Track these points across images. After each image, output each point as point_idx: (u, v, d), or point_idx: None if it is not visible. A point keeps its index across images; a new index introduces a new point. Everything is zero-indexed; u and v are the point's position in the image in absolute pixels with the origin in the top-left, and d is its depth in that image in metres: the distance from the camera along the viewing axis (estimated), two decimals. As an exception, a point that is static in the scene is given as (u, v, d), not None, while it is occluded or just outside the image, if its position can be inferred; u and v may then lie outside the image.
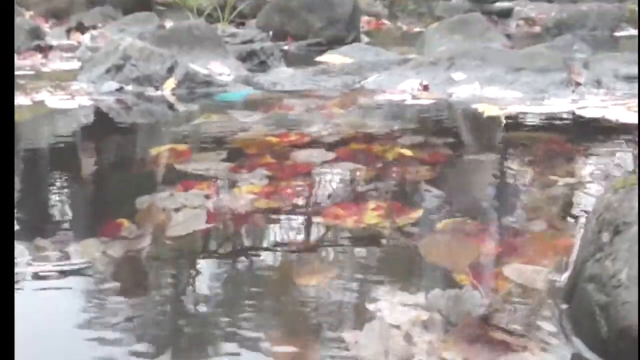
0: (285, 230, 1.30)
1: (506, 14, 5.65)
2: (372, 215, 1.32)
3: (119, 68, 2.73)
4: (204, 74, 2.81)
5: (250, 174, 1.57)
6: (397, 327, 0.91)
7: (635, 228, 0.83)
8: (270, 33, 4.47)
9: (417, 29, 5.56)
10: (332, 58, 3.63)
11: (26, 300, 1.01)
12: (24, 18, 4.65)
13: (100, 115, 2.39)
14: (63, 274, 1.10)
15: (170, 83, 2.67)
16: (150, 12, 5.21)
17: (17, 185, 1.53)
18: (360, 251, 1.19)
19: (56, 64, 3.63)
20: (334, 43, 4.19)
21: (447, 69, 2.69)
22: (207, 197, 1.43)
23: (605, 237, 0.87)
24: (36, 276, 1.09)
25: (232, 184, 1.52)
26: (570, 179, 1.53)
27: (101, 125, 2.29)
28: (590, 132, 2.04)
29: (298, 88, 2.78)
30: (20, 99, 2.51)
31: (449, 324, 0.92)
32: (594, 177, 1.56)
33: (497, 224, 1.28)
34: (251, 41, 3.90)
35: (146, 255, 1.17)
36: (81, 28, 4.77)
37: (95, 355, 0.88)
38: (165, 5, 5.99)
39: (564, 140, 1.88)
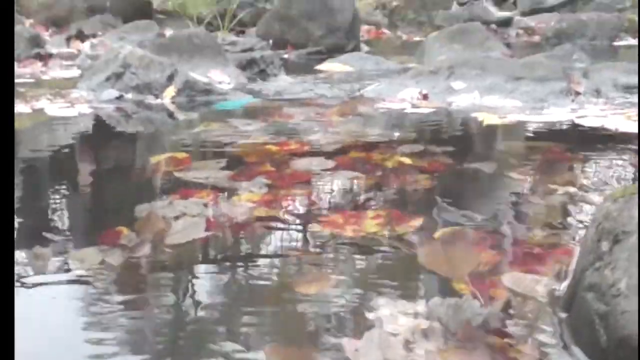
0: (285, 238, 1.30)
1: (506, 23, 5.66)
2: (371, 223, 1.32)
3: (118, 76, 2.73)
4: (204, 82, 2.81)
5: (250, 182, 1.57)
6: (397, 335, 0.91)
7: (635, 237, 0.83)
8: (270, 41, 4.48)
9: (416, 38, 5.57)
10: (332, 67, 3.64)
11: (25, 308, 1.00)
12: (24, 26, 4.66)
13: (100, 123, 2.39)
14: (62, 282, 1.10)
15: (170, 91, 2.67)
16: (150, 20, 5.22)
17: (17, 192, 1.53)
18: (359, 260, 1.19)
19: (56, 72, 3.63)
20: (334, 52, 4.20)
21: (447, 78, 2.69)
22: (207, 205, 1.43)
23: (605, 246, 0.87)
24: (35, 284, 1.08)
25: (232, 192, 1.52)
26: (569, 187, 1.53)
27: (101, 133, 2.29)
28: (589, 141, 2.04)
29: (298, 96, 2.78)
30: (20, 107, 2.51)
31: (449, 332, 0.92)
32: (593, 186, 1.56)
33: (496, 233, 1.28)
34: (251, 49, 3.91)
35: (145, 263, 1.17)
36: (81, 36, 4.79)
37: (94, 364, 0.88)
38: (165, 13, 6.00)
39: (564, 149, 1.88)
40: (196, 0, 5.72)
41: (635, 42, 5.03)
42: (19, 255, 1.18)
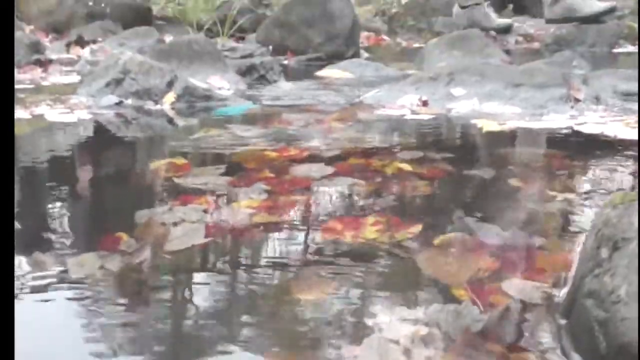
0: (284, 244, 1.30)
1: (505, 30, 5.67)
2: (371, 230, 1.32)
3: (118, 82, 2.73)
4: (204, 88, 2.82)
5: (249, 188, 1.57)
6: (396, 342, 0.91)
7: (635, 244, 0.83)
8: (270, 48, 4.48)
9: (416, 45, 5.58)
10: (331, 73, 3.65)
11: (24, 314, 1.00)
12: (24, 32, 4.67)
13: (99, 128, 2.39)
14: (61, 287, 1.09)
15: (170, 97, 2.67)
16: (150, 26, 5.23)
17: (16, 198, 1.53)
18: (359, 266, 1.19)
19: (56, 77, 3.63)
20: (334, 58, 4.20)
21: (447, 84, 2.70)
22: (206, 211, 1.43)
23: (604, 252, 0.87)
24: (34, 289, 1.08)
25: (231, 198, 1.52)
26: (569, 194, 1.53)
27: (100, 138, 2.29)
28: (589, 147, 2.04)
29: (297, 102, 2.79)
30: (19, 113, 2.51)
31: (448, 339, 0.92)
32: (592, 193, 1.56)
33: (495, 239, 1.28)
34: (251, 56, 3.92)
35: (144, 269, 1.17)
36: (81, 42, 4.79)
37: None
38: (165, 19, 6.01)
39: (563, 156, 1.89)
40: (196, 6, 5.74)
41: (634, 49, 5.04)
42: (18, 260, 1.17)
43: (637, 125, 2.15)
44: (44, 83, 3.46)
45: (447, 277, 1.12)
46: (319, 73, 3.68)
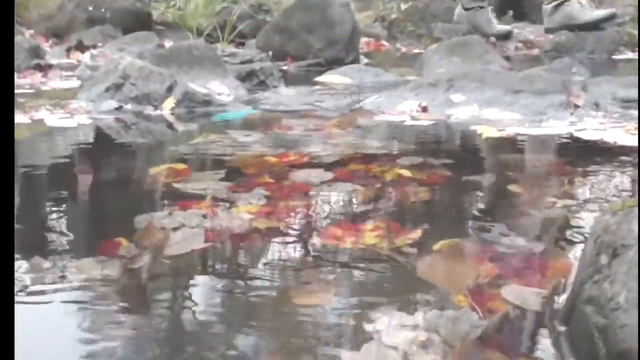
0: (283, 250, 1.30)
1: (505, 36, 5.67)
2: (370, 235, 1.32)
3: (118, 87, 2.73)
4: (203, 94, 2.82)
5: (249, 194, 1.57)
6: (395, 348, 0.91)
7: (634, 251, 0.83)
8: (270, 53, 4.49)
9: (416, 51, 5.58)
10: (331, 79, 3.65)
11: (23, 319, 1.00)
12: (24, 37, 4.67)
13: (99, 133, 2.40)
14: (60, 292, 1.09)
15: (170, 102, 2.67)
16: (149, 31, 5.23)
17: (16, 202, 1.53)
18: (358, 272, 1.19)
19: (56, 82, 3.64)
20: (334, 64, 4.21)
21: (446, 90, 2.70)
22: (205, 216, 1.43)
23: (604, 259, 0.87)
24: (33, 294, 1.08)
25: (231, 204, 1.52)
26: (568, 200, 1.53)
27: (100, 143, 2.29)
28: (588, 154, 2.04)
29: (297, 108, 2.79)
30: (19, 117, 2.52)
31: (447, 345, 0.92)
32: (592, 199, 1.56)
33: (495, 245, 1.28)
34: (251, 61, 3.91)
35: (144, 274, 1.17)
36: (81, 47, 4.80)
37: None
38: (165, 25, 6.01)
39: (563, 162, 1.89)
40: (196, 11, 5.75)
41: (634, 55, 5.04)
42: (17, 265, 1.17)
43: (636, 131, 2.16)
44: (44, 88, 3.46)
45: (447, 283, 1.12)
46: (319, 79, 3.68)
